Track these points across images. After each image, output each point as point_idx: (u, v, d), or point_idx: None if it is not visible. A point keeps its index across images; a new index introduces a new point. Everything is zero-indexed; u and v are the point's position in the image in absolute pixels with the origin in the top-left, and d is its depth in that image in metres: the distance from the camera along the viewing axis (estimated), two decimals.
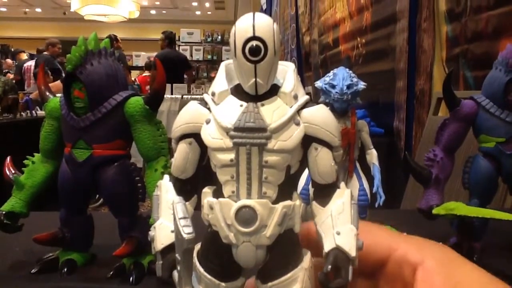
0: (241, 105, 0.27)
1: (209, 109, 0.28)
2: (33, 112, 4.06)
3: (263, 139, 0.26)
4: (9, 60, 7.67)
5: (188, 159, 0.29)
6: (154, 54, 6.75)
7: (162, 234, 0.28)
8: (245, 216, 0.26)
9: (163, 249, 0.28)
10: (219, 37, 9.08)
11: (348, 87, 0.85)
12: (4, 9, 13.27)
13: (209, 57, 8.94)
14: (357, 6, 3.07)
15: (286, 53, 5.79)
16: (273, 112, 0.27)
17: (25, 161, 0.70)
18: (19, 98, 3.98)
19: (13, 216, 0.68)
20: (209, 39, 9.10)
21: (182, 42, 8.77)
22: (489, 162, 0.75)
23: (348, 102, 0.87)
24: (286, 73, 0.29)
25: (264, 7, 7.99)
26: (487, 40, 1.62)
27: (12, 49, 9.10)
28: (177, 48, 7.94)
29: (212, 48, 9.01)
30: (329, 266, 0.26)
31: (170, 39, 6.42)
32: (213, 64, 8.99)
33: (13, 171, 0.71)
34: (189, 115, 0.29)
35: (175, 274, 0.27)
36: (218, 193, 0.28)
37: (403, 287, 0.28)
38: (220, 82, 0.29)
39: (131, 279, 0.65)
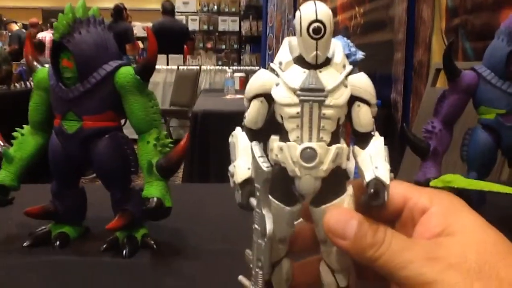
0: (304, 72, 0.35)
1: (277, 75, 0.36)
2: (28, 83, 4.02)
3: (322, 97, 0.34)
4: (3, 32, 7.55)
5: (259, 113, 0.37)
6: (150, 24, 6.61)
7: (240, 171, 0.36)
8: (308, 154, 0.34)
9: (242, 182, 0.36)
10: (215, 7, 8.92)
11: (346, 57, 0.83)
12: None
13: (205, 27, 8.81)
14: None
15: (283, 23, 5.71)
16: (328, 77, 0.35)
17: (14, 133, 0.69)
18: (12, 69, 3.93)
19: (4, 190, 0.67)
20: (205, 9, 8.95)
21: (178, 12, 8.62)
22: (489, 134, 0.74)
23: None
24: (335, 48, 0.36)
25: None
26: (487, 11, 1.60)
27: (5, 19, 8.96)
28: None
29: (208, 18, 8.87)
30: (372, 190, 0.34)
31: (163, 8, 6.33)
32: (209, 35, 8.87)
33: (2, 144, 0.69)
34: (262, 79, 0.36)
35: (252, 200, 0.35)
36: (284, 139, 0.35)
37: (413, 228, 0.35)
38: (285, 54, 0.36)
39: (124, 252, 0.65)
